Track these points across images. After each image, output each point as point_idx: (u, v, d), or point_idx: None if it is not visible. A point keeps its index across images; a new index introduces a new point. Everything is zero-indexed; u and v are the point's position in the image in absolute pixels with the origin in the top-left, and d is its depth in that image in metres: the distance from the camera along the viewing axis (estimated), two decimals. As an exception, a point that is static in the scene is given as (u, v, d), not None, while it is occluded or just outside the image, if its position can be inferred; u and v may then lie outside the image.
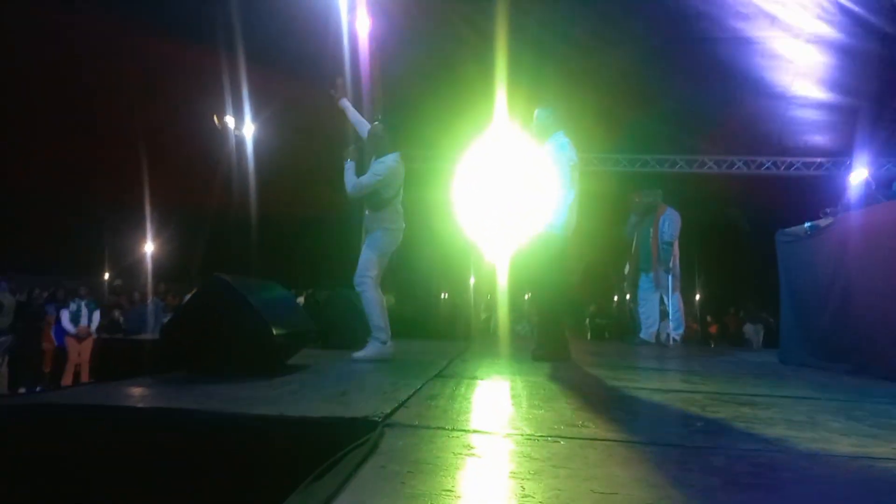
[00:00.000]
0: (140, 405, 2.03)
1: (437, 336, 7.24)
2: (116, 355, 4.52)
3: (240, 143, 13.24)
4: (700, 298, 17.37)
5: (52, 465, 1.77)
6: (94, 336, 9.71)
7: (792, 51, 8.29)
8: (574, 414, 2.24)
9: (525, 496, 1.21)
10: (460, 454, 1.55)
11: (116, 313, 11.59)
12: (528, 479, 1.33)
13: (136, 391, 2.44)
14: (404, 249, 4.60)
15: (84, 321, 9.75)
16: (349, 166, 4.12)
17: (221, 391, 2.44)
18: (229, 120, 13.11)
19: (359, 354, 3.93)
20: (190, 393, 2.43)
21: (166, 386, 2.62)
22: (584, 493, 1.24)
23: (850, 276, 4.45)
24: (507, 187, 5.73)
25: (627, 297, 8.51)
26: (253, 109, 12.47)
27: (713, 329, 15.82)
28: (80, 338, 9.64)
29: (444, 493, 1.22)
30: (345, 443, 1.67)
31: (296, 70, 9.39)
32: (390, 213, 4.13)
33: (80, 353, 9.62)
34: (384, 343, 3.98)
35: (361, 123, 4.41)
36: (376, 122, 4.34)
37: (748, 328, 12.55)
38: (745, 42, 8.36)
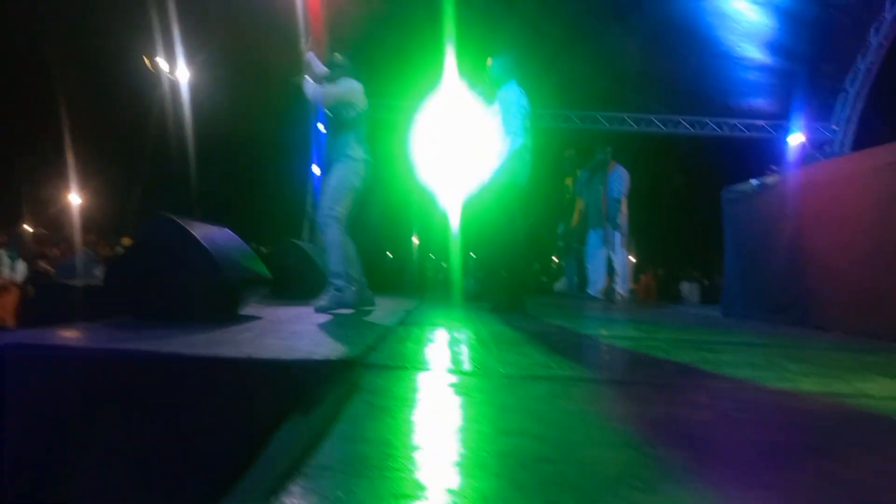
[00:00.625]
0: (88, 346, 1.87)
1: (386, 291, 7.15)
2: (47, 304, 4.20)
3: (174, 86, 12.49)
4: (636, 258, 17.91)
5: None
6: (19, 287, 9.11)
7: (739, 11, 8.43)
8: (545, 357, 2.23)
9: (523, 432, 1.17)
10: (445, 392, 1.49)
11: (42, 263, 10.91)
12: (521, 413, 1.28)
13: (78, 335, 2.25)
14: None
15: (5, 271, 9.14)
16: (308, 80, 3.99)
17: (173, 336, 2.29)
18: (161, 62, 12.29)
19: (319, 304, 3.71)
20: (138, 337, 2.27)
21: (111, 330, 2.44)
22: (581, 424, 1.20)
23: (793, 232, 4.61)
24: (454, 139, 5.59)
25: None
26: (188, 50, 11.73)
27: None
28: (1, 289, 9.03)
29: (440, 423, 1.15)
30: (320, 384, 1.59)
31: (235, 7, 8.87)
32: (352, 139, 3.92)
33: (1, 306, 9.03)
34: (340, 290, 3.76)
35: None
36: (337, 53, 4.13)
37: (684, 286, 13.04)
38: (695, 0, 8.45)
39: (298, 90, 4.09)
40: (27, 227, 18.88)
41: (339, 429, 1.13)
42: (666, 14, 8.62)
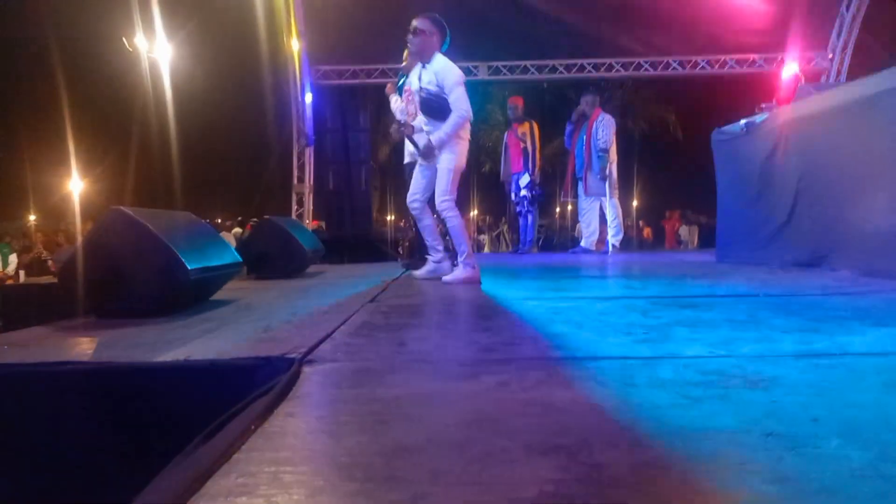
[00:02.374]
0: (15, 360, 1.76)
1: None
2: (22, 301, 4.09)
3: (154, 65, 12.17)
4: (636, 204, 17.65)
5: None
6: (13, 281, 9.10)
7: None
8: (512, 332, 2.12)
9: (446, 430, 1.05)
10: (391, 395, 1.37)
11: (44, 254, 10.92)
12: (458, 404, 1.17)
13: (25, 341, 2.15)
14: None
15: (-1, 265, 9.13)
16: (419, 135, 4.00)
17: (125, 336, 2.20)
18: (141, 41, 11.96)
19: (448, 278, 3.85)
20: (88, 340, 2.18)
21: (66, 333, 2.34)
22: (519, 415, 1.09)
23: (788, 169, 4.44)
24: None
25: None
26: (166, 29, 11.39)
27: (647, 233, 16.22)
28: (-4, 283, 9.02)
29: (364, 448, 1.04)
30: (258, 387, 1.48)
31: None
32: (458, 119, 3.81)
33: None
34: (473, 267, 3.83)
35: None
36: (417, 21, 3.82)
37: (683, 230, 12.89)
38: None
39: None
40: (31, 218, 18.85)
41: (242, 457, 1.01)
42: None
